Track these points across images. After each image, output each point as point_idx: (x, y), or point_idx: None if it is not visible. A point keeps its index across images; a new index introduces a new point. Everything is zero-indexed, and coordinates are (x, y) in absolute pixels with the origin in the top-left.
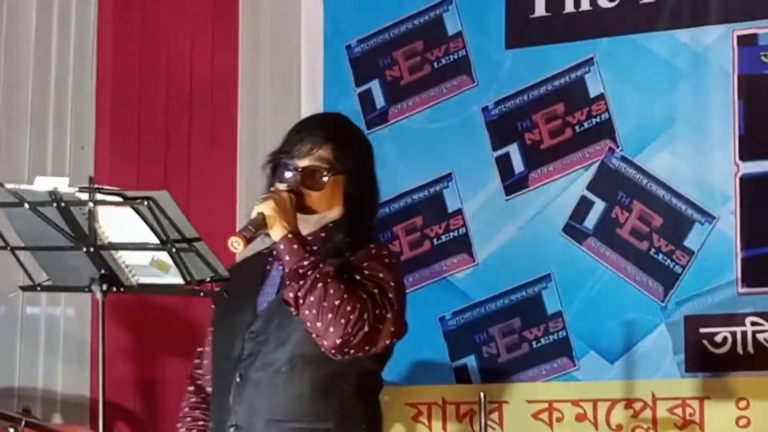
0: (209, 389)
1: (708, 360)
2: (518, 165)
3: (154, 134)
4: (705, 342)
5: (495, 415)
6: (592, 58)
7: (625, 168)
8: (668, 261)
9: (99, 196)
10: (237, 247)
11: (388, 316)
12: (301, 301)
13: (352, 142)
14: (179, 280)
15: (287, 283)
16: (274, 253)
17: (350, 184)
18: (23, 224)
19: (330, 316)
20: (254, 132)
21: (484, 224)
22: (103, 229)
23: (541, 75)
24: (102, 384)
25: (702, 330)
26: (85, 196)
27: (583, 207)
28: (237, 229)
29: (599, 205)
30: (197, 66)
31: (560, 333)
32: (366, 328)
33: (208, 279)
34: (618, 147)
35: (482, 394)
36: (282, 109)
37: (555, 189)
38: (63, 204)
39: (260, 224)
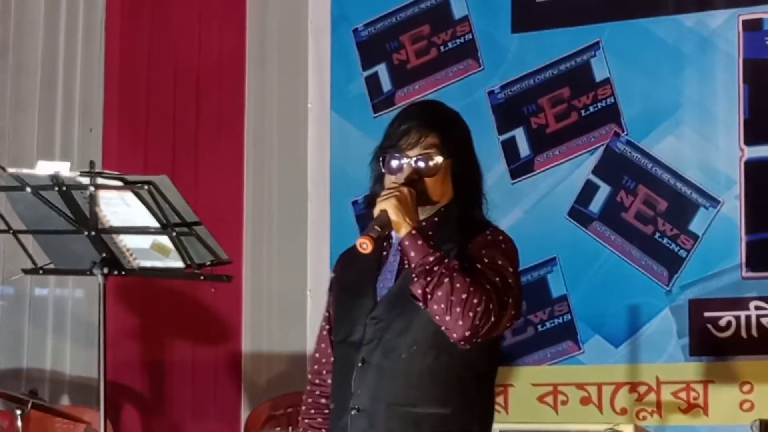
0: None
1: (712, 344)
2: (524, 149)
3: (161, 117)
4: (709, 326)
5: (500, 398)
6: (597, 43)
7: (630, 152)
8: (673, 245)
9: (100, 180)
10: (365, 248)
11: (510, 301)
12: (429, 296)
13: (454, 125)
14: (180, 264)
15: (414, 278)
16: (391, 240)
17: (457, 166)
18: (25, 208)
19: (458, 309)
20: (261, 116)
21: (489, 208)
22: (105, 213)
23: (547, 59)
24: (103, 366)
25: (706, 314)
26: (86, 180)
27: (588, 191)
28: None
29: (604, 189)
30: (205, 50)
31: (565, 317)
32: (492, 318)
33: (208, 263)
34: (623, 131)
35: None
36: (289, 93)
37: (561, 173)
38: (64, 188)
39: (385, 222)
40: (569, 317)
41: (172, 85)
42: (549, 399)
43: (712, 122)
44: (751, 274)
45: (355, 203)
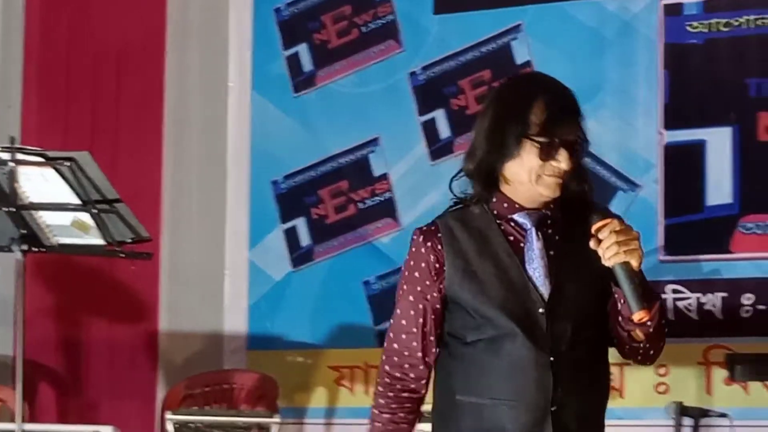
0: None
1: None
2: (444, 130)
3: (81, 94)
4: None
5: None
6: (519, 25)
7: None
8: None
9: (20, 156)
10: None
11: None
12: (654, 351)
13: None
14: (100, 241)
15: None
16: (515, 222)
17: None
18: None
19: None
20: (181, 94)
21: (409, 189)
22: (24, 189)
23: (468, 41)
24: (22, 344)
25: None
26: (6, 156)
27: None
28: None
29: None
30: (125, 26)
31: None
32: None
33: (129, 240)
34: None
35: None
36: (210, 71)
37: None
38: None
39: (631, 275)
40: None
41: (91, 62)
42: None
43: (632, 106)
44: (668, 258)
45: (275, 182)
